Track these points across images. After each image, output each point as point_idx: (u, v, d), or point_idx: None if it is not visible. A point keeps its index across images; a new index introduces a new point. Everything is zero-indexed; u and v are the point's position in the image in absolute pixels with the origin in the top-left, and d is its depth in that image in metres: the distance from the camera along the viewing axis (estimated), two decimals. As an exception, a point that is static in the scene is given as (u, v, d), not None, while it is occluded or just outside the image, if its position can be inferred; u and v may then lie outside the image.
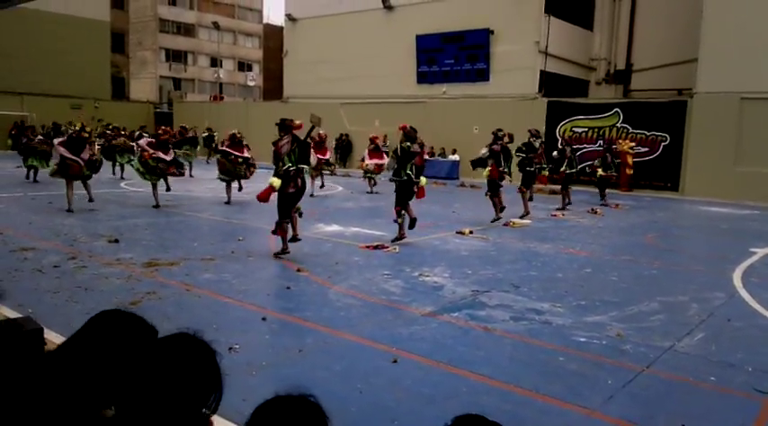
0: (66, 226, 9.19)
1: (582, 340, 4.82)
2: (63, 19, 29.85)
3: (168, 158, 11.51)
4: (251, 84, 53.14)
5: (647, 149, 19.46)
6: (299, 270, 6.82)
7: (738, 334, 5.16)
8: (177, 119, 33.77)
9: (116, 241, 8.07)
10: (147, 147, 11.53)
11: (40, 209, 10.76)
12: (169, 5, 49.76)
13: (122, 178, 17.26)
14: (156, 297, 5.55)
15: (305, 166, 7.51)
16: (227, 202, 12.41)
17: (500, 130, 11.16)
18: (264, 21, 55.46)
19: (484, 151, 10.97)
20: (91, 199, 11.12)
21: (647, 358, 4.44)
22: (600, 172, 14.89)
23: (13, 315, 4.40)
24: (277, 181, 7.16)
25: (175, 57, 50.38)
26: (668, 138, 19.21)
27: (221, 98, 39.39)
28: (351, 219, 11.08)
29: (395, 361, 4.17)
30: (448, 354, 4.38)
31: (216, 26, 43.10)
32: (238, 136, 13.11)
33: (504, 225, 10.77)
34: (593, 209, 13.68)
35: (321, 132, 14.46)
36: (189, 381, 1.32)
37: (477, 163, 11.24)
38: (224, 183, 12.73)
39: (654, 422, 3.45)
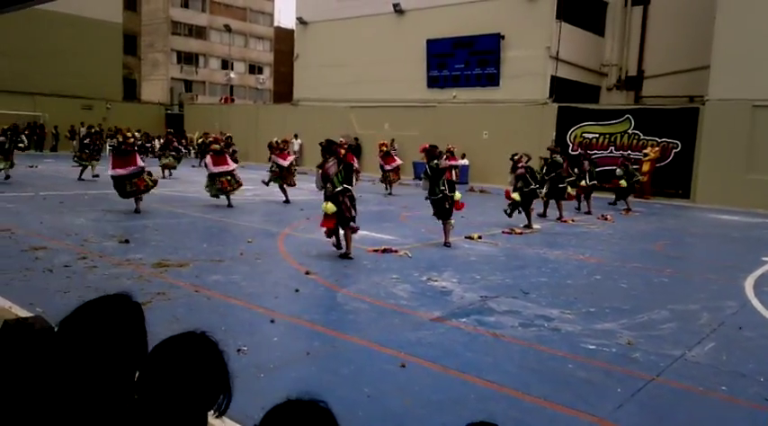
0: (76, 226, 9.25)
1: (591, 347, 4.78)
2: (76, 20, 30.11)
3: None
4: (261, 86, 53.42)
5: (658, 156, 19.35)
6: (307, 273, 6.82)
7: (750, 344, 5.10)
8: (188, 121, 34.01)
9: (126, 241, 8.11)
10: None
11: (52, 209, 10.83)
12: (181, 8, 50.16)
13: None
14: (165, 298, 5.57)
15: (349, 187, 7.70)
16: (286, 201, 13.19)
17: (515, 154, 11.39)
18: (275, 24, 55.77)
19: (510, 180, 11.07)
20: (138, 210, 10.85)
21: (658, 366, 4.40)
22: (623, 183, 15.04)
23: (24, 313, 4.43)
24: (331, 207, 7.42)
25: (187, 59, 50.74)
26: (680, 145, 19.09)
27: (232, 100, 39.58)
28: (360, 223, 11.05)
29: (403, 366, 4.16)
30: (456, 360, 4.36)
31: (227, 29, 43.38)
32: (277, 144, 13.70)
33: (510, 231, 10.72)
34: (603, 216, 13.60)
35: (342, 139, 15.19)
36: (197, 381, 1.32)
37: (514, 206, 11.22)
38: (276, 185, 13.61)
39: (664, 432, 3.42)
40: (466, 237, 9.84)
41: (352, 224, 7.73)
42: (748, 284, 7.40)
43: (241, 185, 12.42)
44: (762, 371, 4.38)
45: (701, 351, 4.81)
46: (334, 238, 7.93)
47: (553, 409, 3.63)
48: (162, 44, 49.02)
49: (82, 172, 16.38)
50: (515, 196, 10.87)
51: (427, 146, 9.20)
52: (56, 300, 5.20)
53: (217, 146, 12.33)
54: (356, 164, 14.49)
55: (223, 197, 12.14)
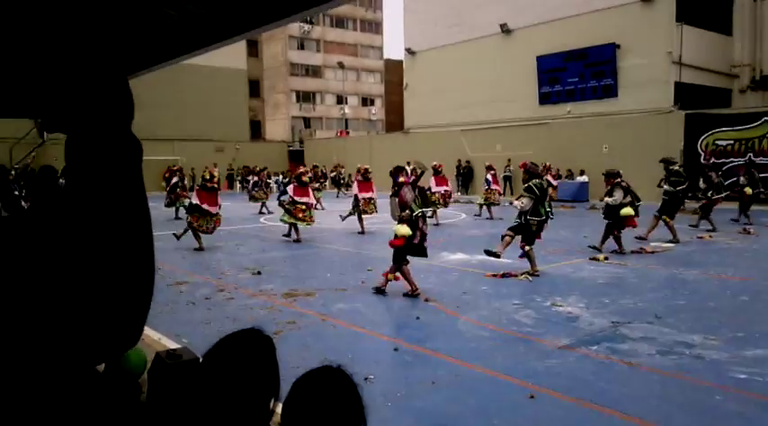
0: (214, 260, 10.03)
1: (742, 377, 4.35)
2: (206, 70, 33.05)
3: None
4: (374, 117, 55.10)
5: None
6: (427, 300, 6.86)
7: None
8: (308, 156, 35.78)
9: (258, 273, 8.65)
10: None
11: (191, 245, 11.80)
12: (298, 50, 53.34)
13: (261, 213, 18.45)
14: (295, 326, 5.86)
15: (428, 210, 7.55)
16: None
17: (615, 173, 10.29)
18: (385, 56, 57.49)
19: (616, 198, 9.99)
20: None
21: (826, 400, 3.92)
22: (748, 190, 13.62)
23: (172, 345, 4.87)
24: (405, 229, 6.96)
25: (305, 97, 53.67)
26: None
27: (347, 133, 41.17)
28: (476, 247, 10.95)
29: (532, 397, 4.04)
30: (589, 391, 4.16)
31: (341, 66, 45.40)
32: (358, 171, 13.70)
33: (640, 251, 10.07)
34: (745, 230, 12.40)
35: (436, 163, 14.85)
36: (338, 413, 1.40)
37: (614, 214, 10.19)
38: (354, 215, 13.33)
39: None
40: (591, 259, 9.41)
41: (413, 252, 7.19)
42: None
43: (312, 221, 12.12)
44: None
45: None
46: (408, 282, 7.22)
47: (702, 446, 3.35)
48: (282, 85, 52.30)
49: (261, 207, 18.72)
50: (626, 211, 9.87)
51: (528, 162, 8.79)
52: (199, 331, 5.66)
53: (306, 178, 12.50)
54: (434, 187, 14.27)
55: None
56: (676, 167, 11.55)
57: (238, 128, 36.45)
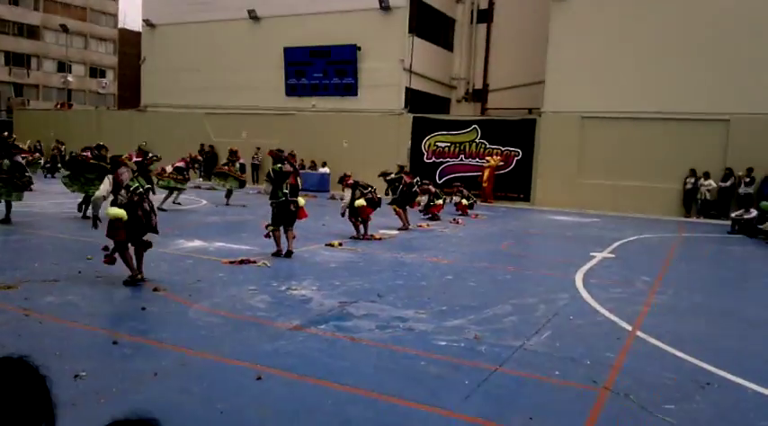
0: None
1: (442, 343, 5.02)
2: None
3: None
4: (104, 91, 49.58)
5: (501, 163, 20.95)
6: (155, 290, 6.41)
7: (579, 331, 5.67)
8: (18, 128, 30.56)
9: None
10: None
11: None
12: (9, 5, 45.18)
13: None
14: (-15, 325, 4.94)
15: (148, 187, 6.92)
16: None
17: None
18: (120, 25, 52.18)
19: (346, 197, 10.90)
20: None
21: (500, 357, 4.73)
22: (465, 202, 16.14)
23: None
24: (117, 211, 6.43)
25: (16, 60, 45.78)
26: (520, 153, 20.82)
27: (69, 106, 36.24)
28: (215, 234, 10.67)
29: (259, 378, 4.06)
30: (313, 367, 4.35)
31: (64, 29, 39.74)
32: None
33: (370, 237, 10.96)
34: (455, 220, 14.41)
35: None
36: (12, 410, 1.18)
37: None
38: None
39: (506, 418, 3.67)
40: (326, 245, 9.89)
41: None
42: (578, 277, 8.23)
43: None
44: (588, 355, 4.88)
45: (537, 340, 5.25)
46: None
47: (407, 406, 3.75)
48: (-14, 43, 43.81)
49: None
50: (360, 202, 10.85)
51: (273, 150, 9.09)
52: None
53: None
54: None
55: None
56: (392, 176, 13.12)
57: None
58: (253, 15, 24.99)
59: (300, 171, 21.68)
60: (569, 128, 19.69)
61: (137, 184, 6.61)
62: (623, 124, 19.01)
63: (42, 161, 23.23)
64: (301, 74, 24.45)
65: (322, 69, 24.03)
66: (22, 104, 39.06)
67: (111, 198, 6.62)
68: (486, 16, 25.54)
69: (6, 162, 10.48)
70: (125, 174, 6.58)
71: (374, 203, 10.94)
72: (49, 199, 15.24)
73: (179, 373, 4.19)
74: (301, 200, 8.94)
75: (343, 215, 10.91)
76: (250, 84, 24.58)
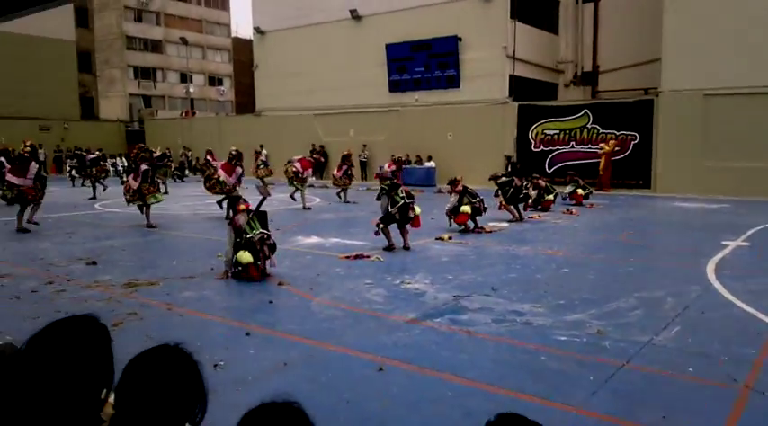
0: (41, 250, 9.04)
1: (563, 338, 4.90)
2: (27, 40, 29.41)
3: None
4: (222, 98, 52.92)
5: (617, 148, 19.86)
6: (280, 284, 6.81)
7: (713, 326, 5.30)
8: (149, 137, 33.48)
9: (94, 263, 7.96)
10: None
11: (15, 235, 10.55)
12: (135, 22, 49.39)
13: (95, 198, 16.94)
14: (137, 317, 5.50)
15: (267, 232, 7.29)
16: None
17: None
18: (233, 35, 55.33)
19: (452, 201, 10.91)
20: (30, 221, 11.00)
21: (627, 353, 4.54)
22: (580, 191, 15.52)
23: (-10, 343, 4.33)
24: (247, 256, 6.88)
25: (144, 74, 49.98)
26: (638, 137, 19.64)
27: (193, 114, 39.08)
28: (330, 230, 11.09)
29: (380, 370, 4.20)
30: (432, 359, 4.43)
31: (184, 41, 42.85)
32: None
33: (480, 230, 10.86)
34: (568, 210, 13.91)
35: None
36: (173, 392, 1.34)
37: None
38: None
39: (636, 416, 3.53)
40: (436, 239, 9.95)
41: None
42: (710, 268, 7.67)
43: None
44: (725, 351, 4.56)
45: (667, 336, 4.98)
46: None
47: (529, 400, 3.72)
48: (118, 60, 48.21)
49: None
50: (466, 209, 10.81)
51: (378, 173, 9.63)
52: (25, 326, 5.08)
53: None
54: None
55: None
56: (503, 179, 12.71)
57: (66, 106, 32.97)
58: (355, 15, 25.55)
59: (406, 166, 22.27)
60: (691, 108, 18.27)
61: (254, 231, 7.01)
62: (754, 100, 17.32)
63: (172, 166, 25.27)
64: (403, 69, 24.66)
65: (424, 63, 24.09)
66: (151, 115, 42.68)
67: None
68: (593, -6, 24.33)
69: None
70: (241, 219, 7.06)
71: (478, 212, 10.83)
72: (181, 201, 16.57)
73: (306, 363, 4.43)
74: (417, 209, 9.11)
75: (448, 216, 10.92)
76: (354, 83, 25.17)
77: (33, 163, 11.01)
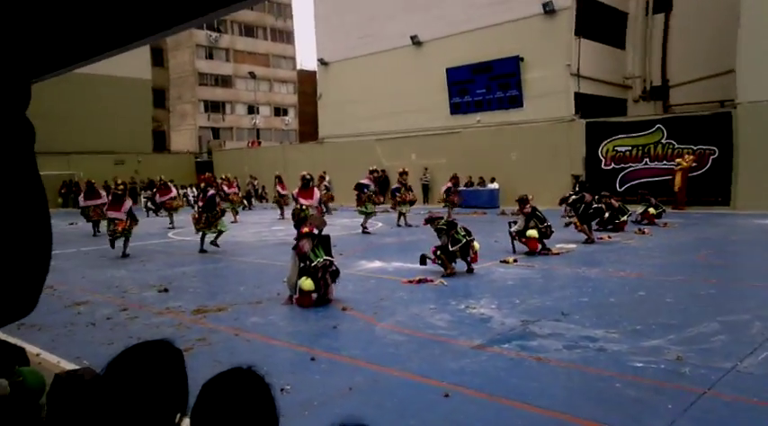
0: (117, 278, 9.49)
1: (639, 365, 4.63)
2: (108, 80, 31.37)
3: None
4: (287, 127, 54.55)
5: (695, 164, 18.90)
6: (344, 309, 6.83)
7: (809, 352, 4.87)
8: (218, 167, 34.84)
9: (165, 290, 8.27)
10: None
11: (93, 263, 11.15)
12: (207, 59, 51.92)
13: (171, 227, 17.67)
14: (206, 343, 5.64)
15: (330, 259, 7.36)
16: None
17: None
18: (298, 67, 57.17)
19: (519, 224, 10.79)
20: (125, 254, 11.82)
21: (709, 380, 4.24)
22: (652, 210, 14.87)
23: (71, 367, 4.54)
24: (309, 283, 6.95)
25: (214, 107, 52.30)
26: (717, 151, 18.64)
27: (258, 143, 40.41)
28: (392, 254, 11.08)
29: (446, 396, 4.10)
30: (501, 387, 4.28)
31: (252, 76, 44.63)
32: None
33: (547, 252, 10.54)
34: (640, 230, 13.32)
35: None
36: (248, 415, 1.35)
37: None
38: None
39: (725, 450, 3.27)
40: (501, 261, 9.74)
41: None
42: (801, 289, 7.11)
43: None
44: (824, 380, 4.17)
45: (753, 362, 4.61)
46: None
47: (605, 432, 3.52)
48: (190, 95, 50.73)
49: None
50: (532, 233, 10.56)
51: (426, 219, 9.48)
52: (101, 352, 5.30)
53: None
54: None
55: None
56: (573, 197, 12.53)
57: (140, 140, 34.89)
58: (415, 41, 25.86)
59: (469, 188, 22.04)
60: (772, 119, 17.22)
61: (318, 259, 7.09)
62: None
63: (240, 195, 26.12)
64: (464, 92, 24.64)
65: (485, 85, 23.99)
66: (219, 146, 44.49)
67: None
68: (663, 5, 23.56)
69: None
70: (306, 246, 7.15)
71: (545, 236, 10.59)
72: (247, 228, 17.05)
73: (372, 388, 4.39)
74: (476, 245, 8.96)
75: (512, 239, 10.67)
76: (415, 107, 25.35)
77: (128, 199, 12.23)
